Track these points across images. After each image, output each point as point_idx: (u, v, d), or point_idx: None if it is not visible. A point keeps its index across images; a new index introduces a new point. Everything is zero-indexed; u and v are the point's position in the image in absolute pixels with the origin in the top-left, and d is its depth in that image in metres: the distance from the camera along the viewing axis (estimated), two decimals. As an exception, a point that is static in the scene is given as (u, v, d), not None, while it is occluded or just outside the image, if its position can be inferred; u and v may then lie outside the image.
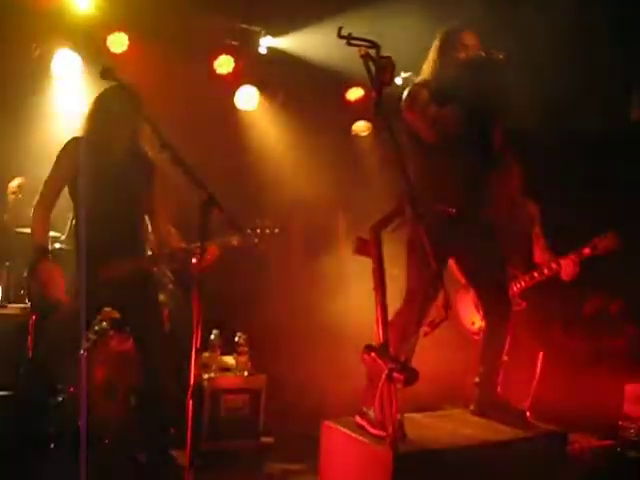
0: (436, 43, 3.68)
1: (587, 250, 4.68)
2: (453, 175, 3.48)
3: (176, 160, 3.01)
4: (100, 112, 3.78)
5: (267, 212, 4.18)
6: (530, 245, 4.99)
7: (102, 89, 3.75)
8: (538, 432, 3.43)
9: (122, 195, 3.76)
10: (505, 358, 3.71)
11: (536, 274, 4.85)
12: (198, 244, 3.04)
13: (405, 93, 3.59)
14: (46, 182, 3.78)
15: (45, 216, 3.75)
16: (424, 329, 2.92)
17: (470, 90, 3.38)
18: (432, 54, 3.68)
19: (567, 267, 4.70)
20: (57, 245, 3.83)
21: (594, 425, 4.79)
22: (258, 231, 3.93)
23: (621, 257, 4.71)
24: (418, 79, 3.69)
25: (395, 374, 2.69)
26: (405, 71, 6.16)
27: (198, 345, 2.76)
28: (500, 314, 3.67)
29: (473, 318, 5.01)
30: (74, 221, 3.80)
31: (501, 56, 3.42)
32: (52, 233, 3.85)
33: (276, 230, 3.98)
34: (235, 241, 3.80)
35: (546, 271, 4.81)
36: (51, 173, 3.77)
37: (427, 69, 3.68)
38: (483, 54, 3.48)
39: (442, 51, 3.63)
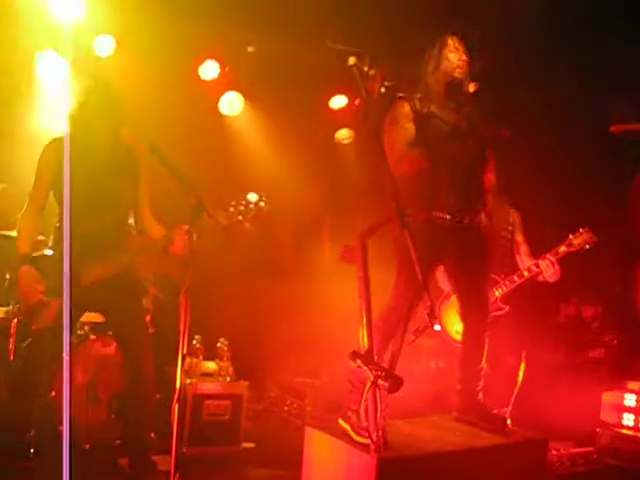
0: (429, 52, 3.61)
1: (563, 248, 4.73)
2: (446, 182, 3.51)
3: (165, 164, 3.01)
4: (83, 105, 3.74)
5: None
6: (507, 251, 5.03)
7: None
8: (518, 438, 3.47)
9: (107, 193, 3.74)
10: (485, 365, 3.75)
11: (516, 277, 4.89)
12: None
13: (391, 105, 3.56)
14: (35, 185, 3.76)
15: (35, 219, 3.74)
16: (409, 336, 2.94)
17: (456, 104, 3.42)
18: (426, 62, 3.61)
19: (547, 268, 4.74)
20: (48, 251, 3.78)
21: (572, 432, 4.86)
22: (242, 207, 3.67)
23: (599, 262, 4.78)
24: (403, 93, 3.65)
25: (380, 381, 2.71)
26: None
27: (185, 351, 2.76)
28: (478, 321, 3.70)
29: (458, 327, 5.03)
30: (58, 224, 3.78)
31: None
32: (41, 237, 3.81)
33: (262, 203, 3.70)
34: (219, 220, 3.53)
35: (526, 273, 4.85)
36: (37, 175, 3.76)
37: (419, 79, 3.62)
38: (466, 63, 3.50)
39: (433, 60, 3.58)
